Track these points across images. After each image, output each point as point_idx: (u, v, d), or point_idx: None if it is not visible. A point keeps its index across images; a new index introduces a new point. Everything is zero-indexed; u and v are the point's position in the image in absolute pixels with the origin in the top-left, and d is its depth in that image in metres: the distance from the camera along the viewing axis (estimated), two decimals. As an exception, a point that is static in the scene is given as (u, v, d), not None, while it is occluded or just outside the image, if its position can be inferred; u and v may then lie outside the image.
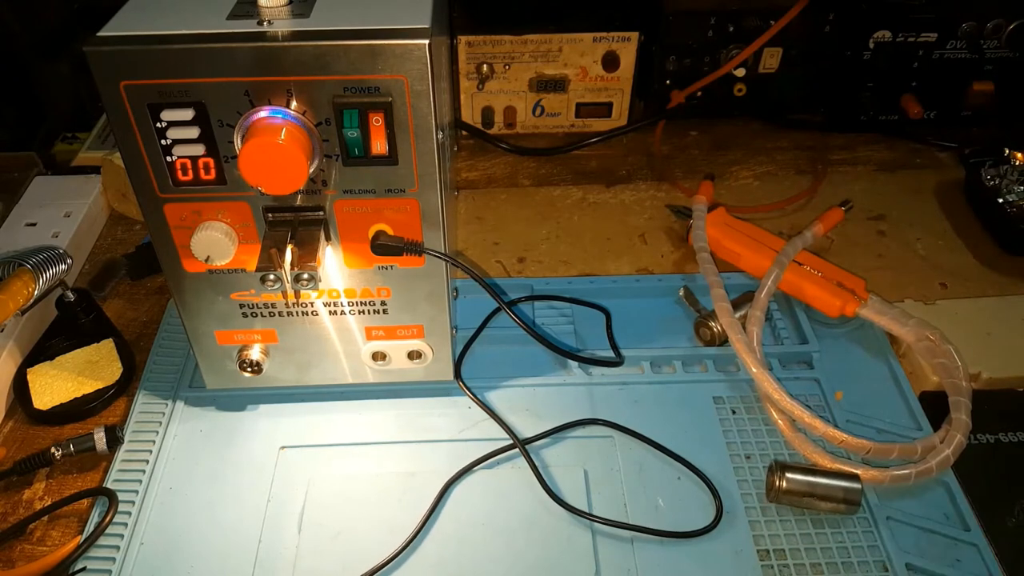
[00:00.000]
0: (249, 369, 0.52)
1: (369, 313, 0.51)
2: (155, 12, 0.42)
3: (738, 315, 0.57)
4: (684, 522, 0.48)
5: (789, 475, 0.48)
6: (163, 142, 0.42)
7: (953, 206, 0.72)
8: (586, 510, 0.49)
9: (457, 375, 0.56)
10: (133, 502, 0.49)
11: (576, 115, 0.80)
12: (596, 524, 0.48)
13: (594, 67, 0.77)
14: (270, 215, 0.45)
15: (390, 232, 0.46)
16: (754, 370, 0.53)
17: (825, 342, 0.59)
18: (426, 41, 0.39)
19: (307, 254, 0.45)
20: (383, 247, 0.46)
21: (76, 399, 0.55)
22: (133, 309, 0.64)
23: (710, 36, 0.76)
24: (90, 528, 0.48)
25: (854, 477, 0.48)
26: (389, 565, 0.46)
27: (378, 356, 0.53)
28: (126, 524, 0.48)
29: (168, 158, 0.42)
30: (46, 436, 0.54)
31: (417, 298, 0.50)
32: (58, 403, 0.55)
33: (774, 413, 0.53)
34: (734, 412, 0.54)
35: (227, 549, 0.47)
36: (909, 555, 0.46)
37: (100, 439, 0.51)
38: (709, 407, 0.55)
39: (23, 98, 0.84)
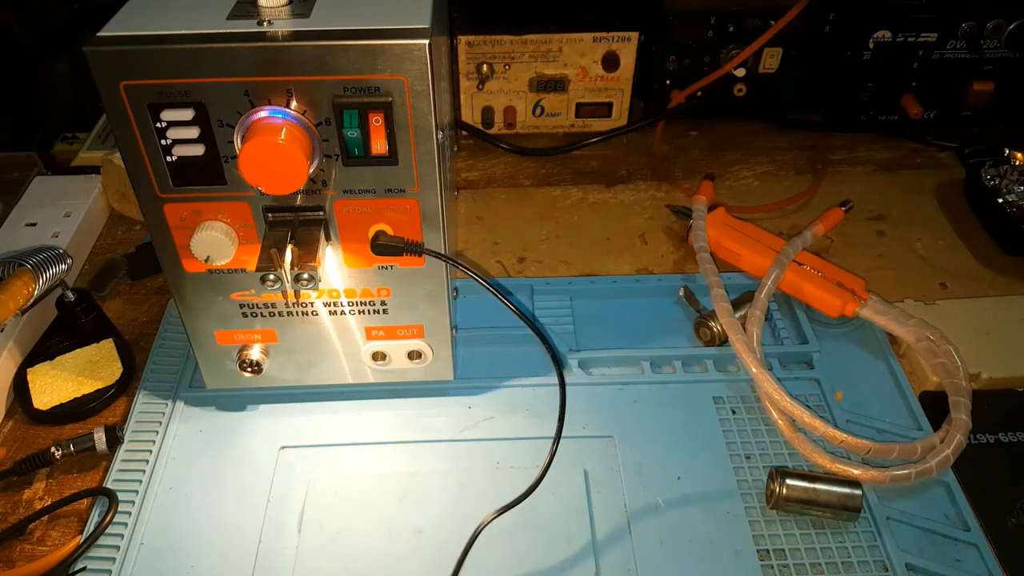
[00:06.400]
0: (249, 369, 0.52)
1: (369, 313, 0.51)
2: (155, 12, 0.42)
3: (738, 315, 0.57)
4: (685, 522, 0.48)
5: (789, 482, 0.48)
6: (163, 142, 0.42)
7: (953, 206, 0.72)
8: (586, 510, 0.49)
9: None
10: (133, 502, 0.49)
11: (576, 115, 0.80)
12: (596, 523, 0.48)
13: (594, 67, 0.77)
14: (270, 215, 0.45)
15: (390, 232, 0.46)
16: (754, 370, 0.53)
17: (825, 342, 0.59)
18: (426, 41, 0.39)
19: (307, 254, 0.45)
20: (383, 247, 0.46)
21: (76, 399, 0.55)
22: (133, 309, 0.64)
23: (710, 36, 0.76)
24: (90, 528, 0.48)
25: (855, 484, 0.48)
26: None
27: (378, 356, 0.53)
28: (126, 524, 0.48)
29: (168, 158, 0.42)
30: (46, 436, 0.54)
31: (417, 298, 0.50)
32: (58, 403, 0.55)
33: (774, 413, 0.53)
34: (734, 412, 0.54)
35: (227, 549, 0.47)
36: (909, 555, 0.46)
37: (100, 439, 0.51)
38: (709, 407, 0.55)
39: (23, 98, 0.83)
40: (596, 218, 0.72)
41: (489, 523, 0.46)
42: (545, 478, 0.50)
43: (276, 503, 0.50)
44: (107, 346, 0.58)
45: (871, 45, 0.75)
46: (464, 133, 0.81)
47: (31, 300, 0.54)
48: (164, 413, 0.54)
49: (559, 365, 0.49)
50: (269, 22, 0.41)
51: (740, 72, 0.78)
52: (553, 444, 0.46)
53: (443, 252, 0.47)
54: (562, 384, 0.47)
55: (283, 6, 0.42)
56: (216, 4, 0.43)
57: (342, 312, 0.51)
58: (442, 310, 0.51)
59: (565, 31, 0.75)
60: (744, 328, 0.56)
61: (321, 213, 0.45)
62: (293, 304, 0.50)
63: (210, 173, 0.43)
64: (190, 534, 0.48)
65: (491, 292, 0.47)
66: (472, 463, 0.52)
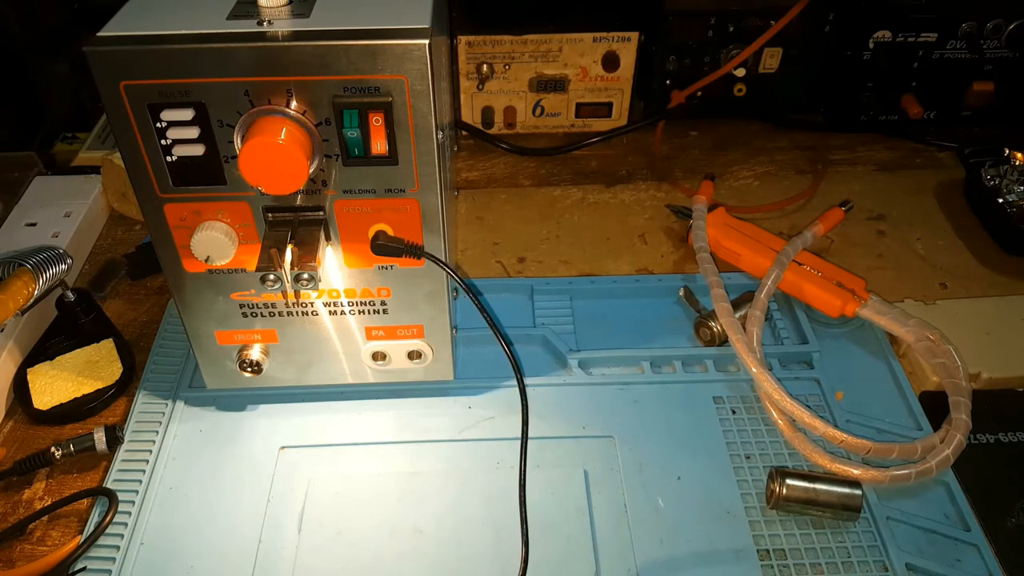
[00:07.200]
0: (249, 369, 0.52)
1: (369, 313, 0.51)
2: (155, 12, 0.42)
3: (738, 315, 0.57)
4: (685, 522, 0.48)
5: (789, 482, 0.48)
6: (163, 142, 0.42)
7: (953, 206, 0.72)
8: (586, 510, 0.49)
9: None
10: (133, 502, 0.49)
11: (576, 115, 0.80)
12: (596, 523, 0.48)
13: (594, 67, 0.77)
14: (270, 215, 0.45)
15: (390, 232, 0.46)
16: (754, 370, 0.53)
17: (825, 342, 0.59)
18: (426, 41, 0.39)
19: (307, 254, 0.45)
20: (383, 247, 0.46)
21: (76, 399, 0.55)
22: (133, 309, 0.64)
23: (710, 36, 0.76)
24: (90, 528, 0.48)
25: (855, 484, 0.48)
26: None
27: (378, 356, 0.53)
28: (126, 524, 0.48)
29: (168, 158, 0.42)
30: (46, 436, 0.54)
31: (417, 298, 0.50)
32: (58, 403, 0.55)
33: (774, 413, 0.53)
34: (734, 412, 0.54)
35: (227, 549, 0.47)
36: (909, 555, 0.46)
37: (100, 439, 0.51)
38: (709, 407, 0.55)
39: (23, 98, 0.83)
40: (596, 218, 0.72)
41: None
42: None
43: (276, 503, 0.50)
44: (107, 346, 0.58)
45: (871, 45, 0.75)
46: (464, 133, 0.81)
47: (31, 300, 0.55)
48: (164, 413, 0.54)
49: (519, 373, 0.49)
50: (269, 22, 0.41)
51: (740, 72, 0.78)
52: (521, 451, 0.46)
53: (443, 252, 0.47)
54: (523, 391, 0.48)
55: (283, 6, 0.42)
56: (216, 4, 0.43)
57: (342, 312, 0.51)
58: (442, 310, 0.51)
59: (565, 31, 0.75)
60: (744, 328, 0.56)
61: (321, 213, 0.45)
62: (293, 304, 0.50)
63: (210, 173, 0.43)
64: (190, 534, 0.48)
65: (471, 299, 0.47)
66: (472, 463, 0.52)
